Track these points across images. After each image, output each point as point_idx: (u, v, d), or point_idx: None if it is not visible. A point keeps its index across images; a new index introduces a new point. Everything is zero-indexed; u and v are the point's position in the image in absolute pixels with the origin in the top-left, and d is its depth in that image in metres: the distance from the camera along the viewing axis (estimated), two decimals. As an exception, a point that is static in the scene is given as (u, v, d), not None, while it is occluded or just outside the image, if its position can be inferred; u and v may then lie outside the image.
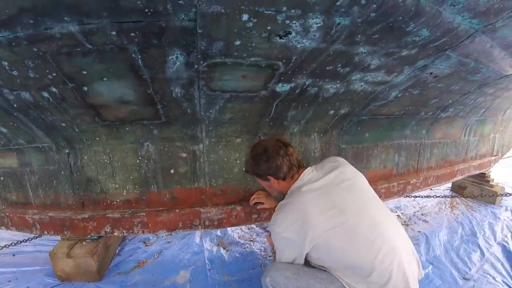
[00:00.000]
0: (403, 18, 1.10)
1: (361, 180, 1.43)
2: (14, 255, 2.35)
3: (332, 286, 1.27)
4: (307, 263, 1.38)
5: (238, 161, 1.76)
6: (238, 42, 1.09)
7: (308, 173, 1.40)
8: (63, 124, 1.53)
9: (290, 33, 1.06)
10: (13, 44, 1.07)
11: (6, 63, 1.17)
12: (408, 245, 1.32)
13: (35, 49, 1.09)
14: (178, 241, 2.58)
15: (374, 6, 1.00)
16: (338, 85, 1.51)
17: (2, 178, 1.96)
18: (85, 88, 1.30)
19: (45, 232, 1.86)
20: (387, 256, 1.19)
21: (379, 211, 1.33)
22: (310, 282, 1.30)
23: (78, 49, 1.09)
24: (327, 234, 1.22)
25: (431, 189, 3.35)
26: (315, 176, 1.38)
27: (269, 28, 1.03)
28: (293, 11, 0.96)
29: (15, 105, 1.44)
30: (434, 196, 3.07)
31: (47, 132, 1.62)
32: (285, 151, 1.39)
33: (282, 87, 1.41)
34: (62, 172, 1.74)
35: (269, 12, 0.96)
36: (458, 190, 3.73)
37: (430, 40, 1.29)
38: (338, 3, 0.96)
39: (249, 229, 2.85)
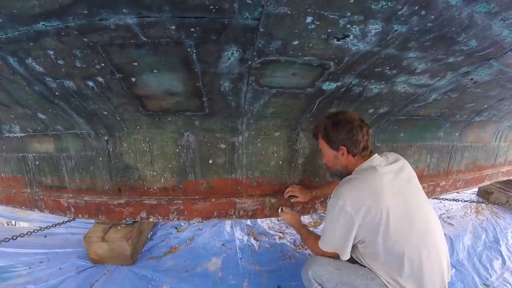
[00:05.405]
0: (456, 29, 1.20)
1: (416, 178, 1.49)
2: (45, 236, 2.50)
3: (372, 283, 1.35)
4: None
5: (275, 154, 1.87)
6: (296, 42, 1.18)
7: (377, 158, 1.45)
8: (105, 113, 1.63)
9: (348, 36, 1.16)
10: (62, 33, 1.10)
11: (52, 52, 1.21)
12: (446, 249, 1.41)
13: (85, 40, 1.13)
14: (210, 228, 2.71)
15: (432, 17, 1.10)
16: (382, 86, 1.61)
17: (37, 163, 2.09)
18: (133, 79, 1.37)
19: (80, 215, 1.99)
20: (432, 255, 1.29)
21: (429, 210, 1.42)
22: (352, 277, 1.38)
23: (132, 41, 1.14)
24: (390, 218, 1.27)
25: (457, 193, 3.42)
26: (384, 163, 1.43)
27: (329, 30, 1.13)
28: (356, 16, 1.06)
29: (57, 93, 1.52)
30: (462, 200, 3.16)
31: (87, 120, 1.72)
32: (367, 130, 1.43)
33: (329, 86, 1.52)
34: (100, 158, 1.87)
35: (333, 16, 1.06)
36: (484, 195, 3.79)
37: (476, 50, 1.39)
38: (399, 13, 1.06)
39: (278, 220, 2.96)
